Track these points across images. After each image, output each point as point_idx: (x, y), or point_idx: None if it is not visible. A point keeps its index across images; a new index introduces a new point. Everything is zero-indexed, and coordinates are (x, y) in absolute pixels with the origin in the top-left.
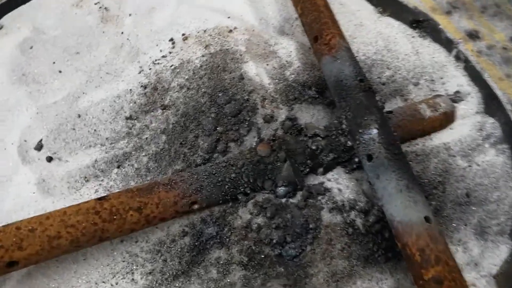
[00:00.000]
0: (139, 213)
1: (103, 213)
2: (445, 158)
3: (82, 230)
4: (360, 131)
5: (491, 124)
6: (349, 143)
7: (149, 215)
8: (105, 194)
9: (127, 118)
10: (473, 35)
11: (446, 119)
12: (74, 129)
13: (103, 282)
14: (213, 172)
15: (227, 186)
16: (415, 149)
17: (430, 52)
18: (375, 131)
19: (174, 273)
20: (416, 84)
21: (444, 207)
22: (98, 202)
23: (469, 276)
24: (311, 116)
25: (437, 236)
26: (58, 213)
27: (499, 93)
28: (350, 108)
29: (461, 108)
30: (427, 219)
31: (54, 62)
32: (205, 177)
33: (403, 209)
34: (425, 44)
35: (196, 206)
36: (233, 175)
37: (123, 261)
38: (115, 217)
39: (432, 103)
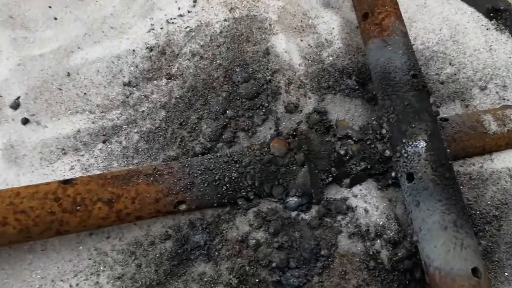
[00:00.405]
0: (109, 207)
1: (64, 201)
2: (508, 188)
3: (35, 218)
4: (404, 141)
5: None
6: (388, 152)
7: (121, 211)
8: (74, 177)
9: (125, 84)
10: None
11: None
12: (60, 89)
13: (62, 280)
14: (210, 167)
15: (225, 187)
16: (470, 171)
17: (508, 50)
18: (422, 143)
19: (148, 282)
20: (483, 88)
21: (496, 250)
22: (61, 187)
23: None
24: (346, 112)
25: None
26: (9, 193)
27: None
28: (395, 110)
29: None
30: (475, 271)
31: (50, 7)
32: (200, 172)
33: (445, 253)
34: (502, 39)
35: (183, 207)
36: (234, 174)
37: (89, 259)
38: (78, 208)
39: (501, 115)
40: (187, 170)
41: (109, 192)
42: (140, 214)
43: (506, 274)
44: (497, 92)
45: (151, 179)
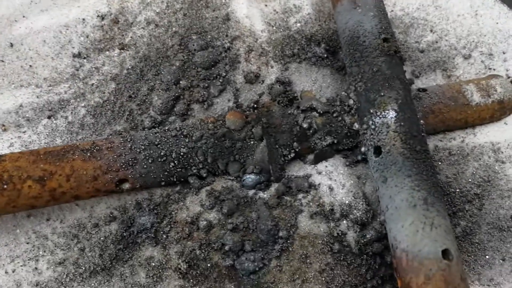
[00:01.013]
0: (40, 185)
1: None
2: (490, 164)
3: None
4: (372, 111)
5: None
6: (356, 125)
7: (55, 189)
8: (3, 153)
9: (74, 56)
10: None
11: (501, 110)
12: (2, 61)
13: None
14: (156, 142)
15: (172, 164)
16: (450, 146)
17: (494, 15)
18: (392, 113)
19: (92, 268)
20: (467, 57)
21: (477, 231)
22: None
23: None
24: (313, 82)
25: (457, 281)
26: None
27: None
28: (363, 77)
29: None
30: (445, 253)
31: None
32: (143, 147)
33: (412, 233)
34: (488, 3)
35: (126, 186)
36: (183, 149)
37: (27, 243)
38: (5, 186)
39: (485, 85)
40: (129, 145)
41: (40, 169)
42: (77, 193)
43: (487, 257)
44: (482, 61)
45: (88, 154)
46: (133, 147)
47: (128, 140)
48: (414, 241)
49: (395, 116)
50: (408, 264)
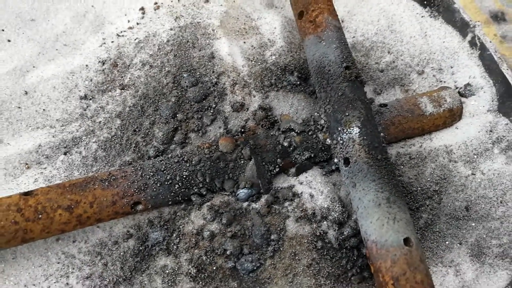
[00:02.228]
0: (69, 213)
1: (26, 211)
2: (445, 164)
3: (0, 229)
4: (340, 129)
5: (504, 126)
6: (329, 141)
7: (81, 215)
8: (36, 188)
9: (81, 98)
10: (498, 17)
11: (451, 117)
12: (19, 107)
13: (34, 285)
14: (162, 169)
15: (177, 185)
16: (410, 151)
17: (441, 35)
18: (356, 130)
19: (115, 279)
20: (420, 73)
21: (437, 221)
22: (23, 198)
23: None
24: (289, 106)
25: (417, 263)
26: None
27: None
28: (330, 101)
29: (471, 104)
30: (407, 241)
31: (3, 30)
32: (151, 174)
33: (379, 227)
34: (436, 25)
35: (140, 207)
36: (185, 173)
37: (58, 263)
38: (40, 216)
39: (436, 96)
40: (140, 172)
41: (68, 199)
42: (99, 216)
43: (446, 242)
44: (434, 75)
45: (107, 183)
46: (143, 174)
47: (139, 168)
48: (381, 233)
49: (359, 132)
50: (377, 252)
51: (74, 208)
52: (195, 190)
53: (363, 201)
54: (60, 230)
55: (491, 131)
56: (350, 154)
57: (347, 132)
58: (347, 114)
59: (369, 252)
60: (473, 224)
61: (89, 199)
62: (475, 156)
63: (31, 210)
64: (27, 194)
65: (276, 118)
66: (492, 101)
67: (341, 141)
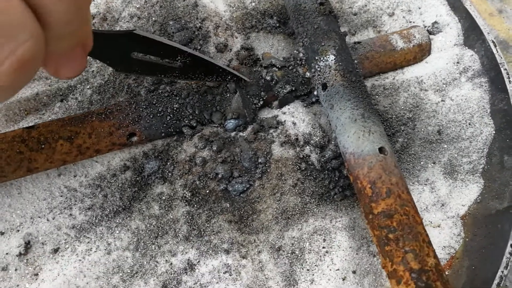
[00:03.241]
0: (69, 143)
1: (30, 141)
2: (417, 93)
3: (6, 159)
4: (317, 58)
5: (470, 57)
6: (308, 74)
7: (81, 145)
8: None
9: None
10: None
11: (421, 52)
12: None
13: (39, 217)
14: (154, 102)
15: (169, 117)
16: (384, 83)
17: None
18: (332, 57)
19: (115, 209)
20: (391, 15)
21: (412, 145)
22: (26, 131)
23: (435, 217)
24: (270, 47)
25: (392, 168)
26: None
27: (480, 22)
28: (307, 34)
29: (438, 40)
30: (381, 150)
31: None
32: (144, 107)
33: (356, 140)
34: None
35: (135, 138)
36: (176, 105)
37: (61, 196)
38: (43, 146)
39: (406, 34)
40: (134, 106)
41: (68, 130)
42: (98, 147)
43: (422, 163)
44: (403, 17)
45: (103, 116)
46: (136, 107)
47: (132, 103)
48: (357, 144)
49: (334, 59)
50: (355, 162)
51: (74, 139)
52: (186, 122)
53: (340, 119)
54: (62, 160)
55: (458, 62)
56: (327, 79)
57: (323, 60)
58: (323, 44)
59: (347, 164)
60: (445, 146)
61: (87, 130)
62: (444, 85)
63: (34, 141)
64: (29, 128)
65: (258, 57)
66: (458, 36)
67: (318, 69)
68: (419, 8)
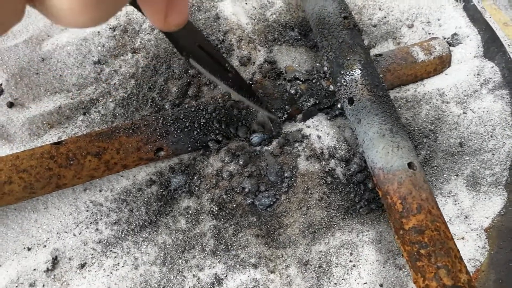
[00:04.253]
0: (98, 159)
1: (58, 158)
2: (438, 105)
3: (36, 175)
4: (342, 72)
5: (490, 69)
6: (332, 87)
7: (109, 161)
8: (64, 139)
9: (95, 63)
10: None
11: (441, 63)
12: (37, 73)
13: (65, 232)
14: (181, 117)
15: (196, 132)
16: (405, 95)
17: None
18: (357, 72)
19: (141, 223)
20: (410, 26)
21: (435, 157)
22: (54, 147)
23: (458, 229)
24: (292, 60)
25: (421, 183)
26: (9, 158)
27: (500, 34)
28: (332, 48)
29: (458, 52)
30: (410, 165)
31: None
32: (172, 122)
33: (385, 155)
34: None
35: (162, 153)
36: (203, 120)
37: (87, 211)
38: (71, 162)
39: (426, 46)
40: (161, 121)
41: (96, 146)
42: (125, 162)
43: (444, 175)
44: (422, 28)
45: (131, 131)
46: (164, 122)
47: (159, 117)
48: (387, 160)
49: (360, 73)
50: (384, 177)
51: (102, 154)
52: (212, 136)
53: (368, 134)
54: (90, 175)
55: (478, 74)
56: (354, 94)
57: (349, 75)
58: (348, 58)
59: (376, 179)
60: (467, 158)
61: (115, 146)
62: (465, 97)
63: (63, 157)
64: (57, 144)
65: (281, 70)
66: (478, 47)
67: (344, 83)
68: (438, 20)
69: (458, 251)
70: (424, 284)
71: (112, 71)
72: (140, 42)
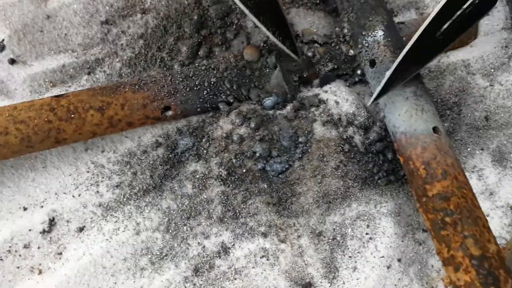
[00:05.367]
0: (101, 114)
1: (59, 110)
2: (463, 76)
3: (34, 127)
4: (364, 33)
5: None
6: (351, 52)
7: (112, 117)
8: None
9: (102, 23)
10: None
11: (467, 35)
12: (42, 31)
13: (64, 193)
14: (190, 75)
15: (205, 91)
16: (429, 65)
17: None
18: (380, 33)
19: (145, 187)
20: None
21: (458, 130)
22: (55, 99)
23: (483, 206)
24: (310, 24)
25: (446, 149)
26: (7, 108)
27: None
28: (353, 9)
29: (485, 24)
30: (435, 130)
31: None
32: (181, 79)
33: (408, 118)
34: None
35: (170, 113)
36: (213, 79)
37: (88, 172)
38: (73, 116)
39: None
40: (169, 78)
41: (99, 100)
42: (130, 120)
43: (468, 149)
44: None
45: (137, 87)
46: (172, 79)
47: (167, 75)
48: (410, 123)
49: (383, 34)
50: (407, 142)
51: (106, 109)
52: (223, 97)
53: (391, 96)
54: (91, 132)
55: (506, 46)
56: (376, 56)
57: (371, 36)
58: (370, 19)
59: (398, 144)
60: (494, 132)
61: (120, 101)
62: (492, 70)
63: (63, 110)
64: (58, 96)
65: (297, 33)
66: (506, 19)
67: (366, 45)
68: None
69: (486, 220)
70: (449, 254)
71: (120, 32)
72: (150, 2)
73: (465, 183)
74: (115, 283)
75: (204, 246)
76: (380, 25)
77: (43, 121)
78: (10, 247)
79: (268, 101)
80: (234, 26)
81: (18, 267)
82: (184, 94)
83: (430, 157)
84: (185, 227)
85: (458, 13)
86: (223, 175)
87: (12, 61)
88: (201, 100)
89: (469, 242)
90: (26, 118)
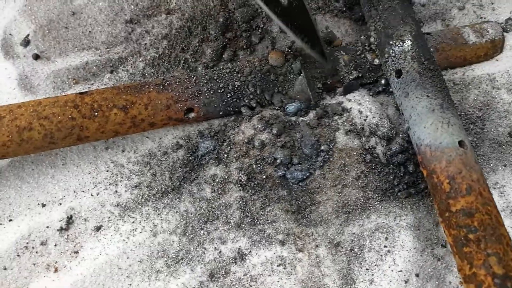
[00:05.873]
0: (124, 113)
1: (83, 107)
2: (488, 90)
3: (57, 124)
4: (391, 42)
5: None
6: (377, 61)
7: (136, 116)
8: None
9: (127, 22)
10: None
11: (493, 48)
12: (66, 28)
13: (83, 191)
14: (215, 77)
15: (229, 94)
16: (453, 78)
17: None
18: (408, 43)
19: (163, 189)
20: (461, 9)
21: (481, 145)
22: (79, 96)
23: (504, 223)
24: (336, 31)
25: (472, 163)
26: (32, 103)
27: None
28: (381, 18)
29: (511, 38)
30: (461, 143)
31: None
32: (205, 81)
33: (433, 131)
34: None
35: (192, 115)
36: (237, 83)
37: (107, 171)
38: (96, 113)
39: (478, 28)
40: (194, 79)
41: (123, 99)
42: (153, 120)
43: (491, 165)
44: (474, 11)
45: (161, 87)
46: (197, 81)
47: (192, 76)
48: (435, 136)
49: (411, 44)
50: (432, 155)
51: (129, 109)
52: (246, 101)
53: (416, 108)
54: (114, 130)
55: None
56: (403, 66)
57: (399, 45)
58: (398, 28)
59: (422, 157)
60: None
61: (144, 101)
62: None
63: (87, 107)
64: (82, 93)
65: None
66: None
67: (393, 54)
68: (492, 4)
69: (510, 238)
70: (471, 272)
71: (144, 32)
72: (175, 3)
73: (490, 200)
74: (130, 284)
75: (220, 251)
76: (408, 35)
77: (66, 118)
78: (27, 243)
79: (291, 107)
80: (259, 30)
81: (34, 264)
82: (208, 97)
83: (455, 171)
84: (202, 231)
85: None
86: (242, 180)
87: (36, 57)
88: (224, 103)
89: (492, 260)
90: (50, 114)
